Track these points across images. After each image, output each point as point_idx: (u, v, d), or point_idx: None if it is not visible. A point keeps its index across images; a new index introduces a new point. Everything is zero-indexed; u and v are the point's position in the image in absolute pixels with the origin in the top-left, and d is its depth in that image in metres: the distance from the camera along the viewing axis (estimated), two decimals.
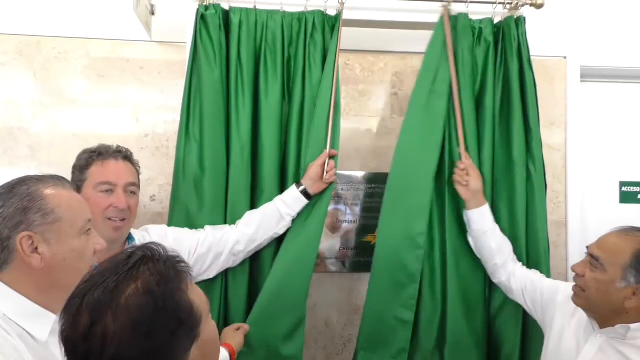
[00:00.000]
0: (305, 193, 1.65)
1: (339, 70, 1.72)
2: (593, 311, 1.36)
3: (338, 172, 1.99)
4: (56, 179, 1.02)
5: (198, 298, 0.81)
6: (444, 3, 1.76)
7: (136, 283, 0.75)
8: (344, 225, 2.03)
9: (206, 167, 1.67)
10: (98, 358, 0.72)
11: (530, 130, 1.77)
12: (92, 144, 1.91)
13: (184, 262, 0.82)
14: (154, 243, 0.82)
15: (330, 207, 2.01)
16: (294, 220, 1.67)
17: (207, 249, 1.57)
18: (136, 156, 1.89)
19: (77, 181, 1.42)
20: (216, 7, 1.71)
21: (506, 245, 1.69)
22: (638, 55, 2.13)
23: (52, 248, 0.95)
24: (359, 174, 2.04)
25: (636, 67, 2.13)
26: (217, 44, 1.69)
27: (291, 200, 1.65)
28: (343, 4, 1.72)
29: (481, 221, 1.68)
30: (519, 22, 1.81)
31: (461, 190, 1.69)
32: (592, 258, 1.34)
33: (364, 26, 1.86)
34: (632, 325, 1.29)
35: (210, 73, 1.68)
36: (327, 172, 1.66)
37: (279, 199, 1.66)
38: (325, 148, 1.69)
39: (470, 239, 1.73)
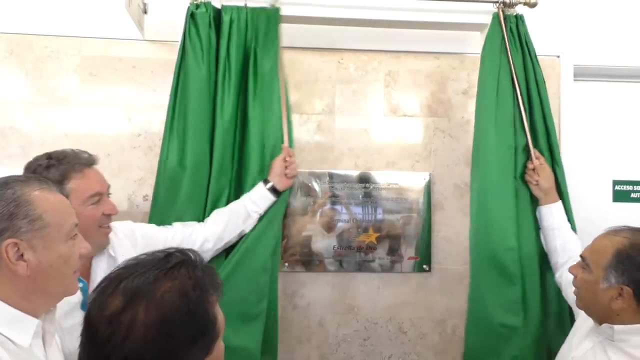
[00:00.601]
0: (272, 189, 1.70)
1: (282, 67, 1.79)
2: (589, 312, 1.37)
3: (333, 171, 2.00)
4: (42, 181, 0.99)
5: (220, 315, 0.83)
6: (496, 3, 1.82)
7: (174, 282, 0.78)
8: (339, 224, 2.03)
9: (187, 165, 1.68)
10: (118, 346, 0.73)
11: (548, 129, 1.83)
12: (85, 143, 1.92)
13: (217, 275, 0.84)
14: (191, 250, 0.85)
15: (326, 207, 2.02)
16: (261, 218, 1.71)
17: (177, 245, 1.56)
18: (129, 156, 1.89)
19: None
20: (207, 5, 1.71)
21: (573, 245, 1.72)
22: (631, 54, 2.13)
23: (38, 255, 0.93)
24: (354, 173, 2.04)
25: (629, 66, 2.13)
26: (205, 42, 1.70)
27: (258, 198, 1.69)
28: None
29: (550, 218, 1.75)
30: (521, 20, 1.83)
31: (533, 189, 1.79)
32: (583, 259, 1.37)
33: (307, 22, 1.90)
34: (616, 327, 1.30)
35: (197, 71, 1.69)
36: (287, 167, 1.72)
37: (246, 197, 1.69)
38: (283, 143, 1.75)
39: (541, 235, 1.80)
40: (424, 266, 2.04)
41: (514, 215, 1.75)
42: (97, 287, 0.79)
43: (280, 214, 1.77)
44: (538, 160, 1.78)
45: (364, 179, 2.04)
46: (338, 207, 2.03)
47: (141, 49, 1.99)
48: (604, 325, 1.32)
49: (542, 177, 1.76)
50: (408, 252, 2.03)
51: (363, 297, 2.03)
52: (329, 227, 2.03)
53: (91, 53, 1.98)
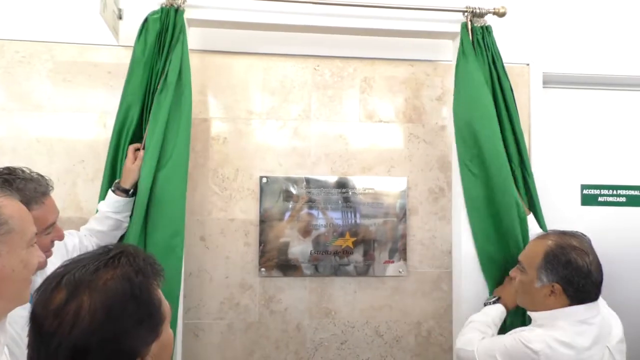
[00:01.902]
0: (117, 188, 1.69)
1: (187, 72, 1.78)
2: (528, 309, 1.50)
3: (310, 176, 2.02)
4: (5, 189, 1.01)
5: (164, 300, 0.86)
6: (466, 13, 1.87)
7: (115, 270, 0.80)
8: (316, 229, 2.04)
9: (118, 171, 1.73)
10: (66, 337, 0.74)
11: (517, 136, 1.88)
12: (57, 149, 1.90)
13: (158, 263, 0.87)
14: (130, 245, 0.88)
15: (303, 211, 2.03)
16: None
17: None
18: (103, 162, 1.87)
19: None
20: (167, 10, 1.73)
21: None
22: (599, 62, 2.20)
23: (1, 259, 0.93)
24: (332, 179, 2.06)
25: (597, 74, 2.20)
26: (150, 47, 1.72)
27: (108, 200, 1.69)
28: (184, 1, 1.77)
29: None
30: (488, 31, 1.87)
31: None
32: (519, 263, 1.53)
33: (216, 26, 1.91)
34: (533, 314, 1.46)
35: (136, 75, 1.73)
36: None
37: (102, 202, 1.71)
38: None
39: None
40: (400, 270, 2.07)
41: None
42: (40, 287, 0.80)
43: (174, 197, 1.72)
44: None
45: (341, 184, 2.06)
46: (315, 212, 2.05)
47: (116, 54, 1.97)
48: (528, 312, 1.50)
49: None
50: (384, 256, 2.06)
51: (340, 301, 2.05)
52: (306, 232, 2.04)
53: (65, 58, 1.96)
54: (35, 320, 0.77)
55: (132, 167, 1.69)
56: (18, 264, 0.96)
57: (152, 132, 1.69)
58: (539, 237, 1.51)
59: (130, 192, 1.70)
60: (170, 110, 1.70)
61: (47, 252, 1.37)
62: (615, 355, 1.39)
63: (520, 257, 1.54)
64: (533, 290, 1.44)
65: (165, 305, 0.85)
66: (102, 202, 1.70)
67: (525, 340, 1.36)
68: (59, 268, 0.82)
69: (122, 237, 1.73)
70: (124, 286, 0.78)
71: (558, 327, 1.37)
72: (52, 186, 1.37)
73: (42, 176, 1.35)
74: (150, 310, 0.81)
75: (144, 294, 0.80)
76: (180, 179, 1.72)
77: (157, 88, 1.71)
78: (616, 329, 1.44)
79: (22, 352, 1.20)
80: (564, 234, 1.47)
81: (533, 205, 1.89)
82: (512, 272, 1.56)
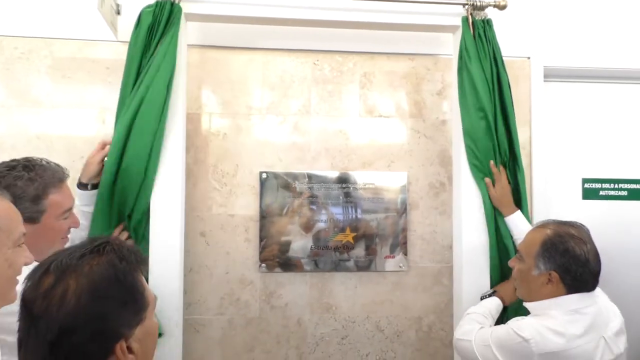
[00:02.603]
0: (80, 183, 1.70)
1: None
2: (528, 300, 1.50)
3: (310, 172, 2.02)
4: None
5: (148, 288, 0.90)
6: (466, 6, 1.86)
7: (101, 257, 0.84)
8: (317, 224, 2.04)
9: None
10: (53, 317, 0.78)
11: (511, 133, 1.86)
12: (58, 146, 1.90)
13: (142, 253, 0.91)
14: (116, 237, 0.92)
15: (303, 207, 2.03)
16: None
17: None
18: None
19: (31, 212, 1.31)
20: (162, 3, 1.72)
21: None
22: (601, 55, 2.19)
23: None
24: (332, 174, 2.05)
25: (599, 67, 2.19)
26: (141, 41, 1.71)
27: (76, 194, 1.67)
28: None
29: (514, 229, 1.83)
30: (489, 24, 1.86)
31: (492, 200, 1.86)
32: (517, 252, 1.54)
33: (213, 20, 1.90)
34: (528, 304, 1.47)
35: (128, 70, 1.73)
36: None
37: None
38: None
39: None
40: (400, 265, 2.06)
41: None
42: (30, 273, 0.84)
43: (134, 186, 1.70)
44: (495, 170, 1.85)
45: (341, 180, 2.06)
46: (315, 208, 2.04)
47: (115, 50, 1.97)
48: (524, 303, 1.50)
49: (497, 187, 1.85)
50: (384, 251, 2.06)
51: (340, 297, 2.05)
52: (306, 227, 2.04)
53: (64, 54, 1.95)
54: (26, 304, 0.81)
55: (91, 161, 1.70)
56: (2, 262, 0.96)
57: (120, 123, 1.70)
58: (538, 226, 1.51)
59: (89, 186, 1.69)
60: (142, 103, 1.69)
61: (64, 238, 1.44)
62: (612, 346, 1.39)
63: (519, 247, 1.55)
64: (530, 278, 1.44)
65: (150, 292, 0.89)
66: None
67: (517, 328, 1.37)
68: (49, 257, 0.85)
69: None
70: (108, 271, 0.82)
71: (550, 315, 1.39)
72: (68, 174, 1.44)
73: (58, 165, 1.42)
74: (133, 294, 0.85)
75: (127, 278, 0.84)
76: (138, 171, 1.70)
77: (145, 81, 1.70)
78: (615, 321, 1.44)
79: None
80: (562, 223, 1.47)
81: (520, 201, 1.87)
82: (511, 262, 1.56)
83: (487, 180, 1.85)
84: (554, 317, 1.38)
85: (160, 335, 1.69)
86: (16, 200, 1.27)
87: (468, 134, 1.84)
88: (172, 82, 1.73)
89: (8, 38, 1.92)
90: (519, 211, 1.84)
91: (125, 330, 0.82)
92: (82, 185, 1.69)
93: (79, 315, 0.78)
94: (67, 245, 1.50)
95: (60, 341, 0.78)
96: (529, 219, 1.87)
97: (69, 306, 0.78)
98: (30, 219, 1.31)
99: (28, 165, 1.34)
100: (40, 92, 1.94)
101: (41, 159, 1.39)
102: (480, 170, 1.86)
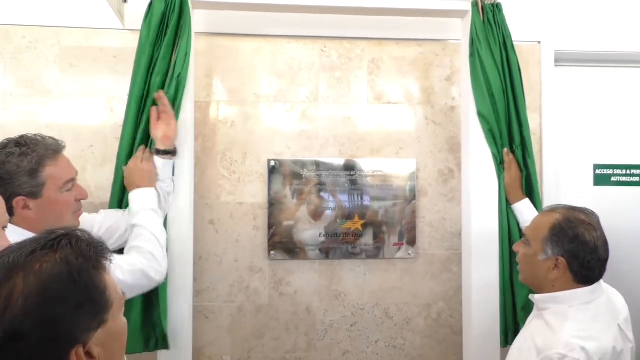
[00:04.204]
0: (158, 152, 1.68)
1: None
2: (530, 285, 1.48)
3: (318, 159, 2.01)
4: None
5: (113, 287, 0.81)
6: None
7: (54, 253, 0.75)
8: (326, 212, 2.04)
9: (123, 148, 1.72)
10: None
11: (520, 118, 1.84)
12: (67, 135, 1.91)
13: (107, 248, 0.82)
14: (79, 229, 0.82)
15: (311, 194, 2.02)
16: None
17: (106, 230, 1.60)
18: (112, 146, 1.88)
19: (31, 187, 1.31)
20: None
21: None
22: (612, 39, 2.15)
23: None
24: (340, 161, 2.04)
25: (610, 51, 2.16)
26: (153, 30, 1.71)
27: (160, 169, 1.68)
28: None
29: (520, 216, 1.83)
30: (498, 9, 1.84)
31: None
32: (524, 236, 1.50)
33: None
34: (536, 296, 1.43)
35: (141, 57, 1.71)
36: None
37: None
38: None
39: None
40: (409, 252, 2.06)
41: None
42: None
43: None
44: (508, 157, 1.85)
45: (349, 167, 2.05)
46: (323, 195, 2.04)
47: (122, 38, 1.96)
48: (530, 296, 1.46)
49: (506, 175, 1.84)
50: (393, 238, 2.05)
51: (349, 284, 2.05)
52: (315, 215, 2.04)
53: (71, 43, 1.95)
54: None
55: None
56: None
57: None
58: (547, 211, 1.47)
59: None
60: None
61: (77, 212, 1.44)
62: (627, 332, 1.37)
63: (525, 231, 1.52)
64: (536, 263, 1.40)
65: (113, 291, 0.80)
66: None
67: (562, 349, 1.25)
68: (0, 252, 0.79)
69: None
70: (61, 269, 0.74)
71: (570, 317, 1.32)
72: (64, 145, 1.41)
73: (53, 138, 1.40)
74: (90, 295, 0.76)
75: (83, 277, 0.75)
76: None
77: (157, 71, 1.70)
78: (620, 304, 1.42)
79: None
80: (572, 208, 1.43)
81: (531, 188, 1.85)
82: (516, 246, 1.53)
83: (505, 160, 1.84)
84: (575, 319, 1.31)
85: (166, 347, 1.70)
86: (12, 177, 1.28)
87: (484, 118, 1.83)
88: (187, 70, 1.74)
89: (16, 27, 1.93)
90: (526, 199, 1.83)
91: (81, 334, 0.74)
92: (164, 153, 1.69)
93: (26, 320, 0.70)
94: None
95: (6, 347, 0.70)
96: (540, 205, 1.85)
97: (14, 309, 0.70)
98: (32, 194, 1.31)
99: (20, 142, 1.33)
100: (48, 81, 1.94)
101: (35, 135, 1.37)
102: (495, 156, 1.86)
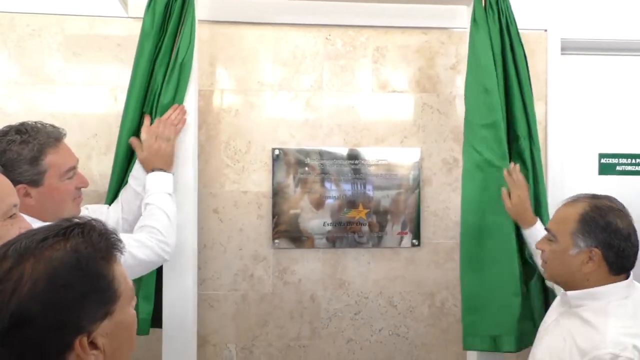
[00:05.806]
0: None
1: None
2: (560, 282, 1.40)
3: (323, 148, 2.01)
4: None
5: (122, 278, 0.81)
6: None
7: (65, 242, 0.76)
8: (329, 201, 2.04)
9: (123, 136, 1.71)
10: (5, 304, 0.71)
11: (527, 108, 1.79)
12: (71, 123, 1.91)
13: (119, 240, 0.82)
14: (93, 218, 0.83)
15: (316, 183, 2.02)
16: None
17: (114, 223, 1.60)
18: (116, 135, 1.87)
19: (32, 175, 1.31)
20: None
21: None
22: (619, 26, 2.13)
23: None
24: (343, 151, 2.04)
25: (617, 39, 2.14)
26: (157, 17, 1.69)
27: (137, 172, 1.66)
28: None
29: (533, 243, 1.60)
30: None
31: (506, 209, 1.70)
32: (548, 232, 1.39)
33: None
34: (569, 293, 1.33)
35: (144, 45, 1.70)
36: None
37: (130, 174, 1.67)
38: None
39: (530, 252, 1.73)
40: (413, 241, 2.06)
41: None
42: None
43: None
44: (509, 178, 1.71)
45: (353, 156, 2.05)
46: (328, 184, 2.04)
47: (126, 26, 1.96)
48: (562, 293, 1.36)
49: (513, 197, 1.69)
50: (397, 227, 2.05)
51: (353, 272, 2.06)
52: (319, 203, 2.04)
53: (75, 31, 1.95)
54: None
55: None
56: None
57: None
58: (569, 202, 1.36)
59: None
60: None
61: (76, 199, 1.44)
62: None
63: (550, 225, 1.39)
64: (568, 259, 1.30)
65: (123, 283, 0.81)
66: (131, 175, 1.67)
67: (612, 349, 1.18)
68: (12, 239, 0.79)
69: None
70: (69, 257, 0.75)
71: (612, 314, 1.25)
72: (65, 133, 1.41)
73: (54, 126, 1.39)
74: (97, 284, 0.77)
75: (90, 266, 0.76)
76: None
77: (160, 59, 1.69)
78: None
79: None
80: (596, 196, 1.34)
81: (537, 181, 1.79)
82: (540, 244, 1.42)
83: (503, 190, 1.70)
84: (617, 315, 1.24)
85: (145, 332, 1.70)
86: (13, 164, 1.28)
87: (470, 123, 1.75)
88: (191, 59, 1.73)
89: (20, 15, 1.92)
90: (538, 221, 1.70)
91: (86, 324, 0.74)
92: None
93: (32, 304, 0.71)
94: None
95: (12, 332, 0.71)
96: (545, 198, 1.80)
97: (22, 293, 0.71)
98: (33, 181, 1.31)
99: (21, 129, 1.33)
100: (52, 70, 1.94)
101: (35, 122, 1.37)
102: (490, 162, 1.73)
